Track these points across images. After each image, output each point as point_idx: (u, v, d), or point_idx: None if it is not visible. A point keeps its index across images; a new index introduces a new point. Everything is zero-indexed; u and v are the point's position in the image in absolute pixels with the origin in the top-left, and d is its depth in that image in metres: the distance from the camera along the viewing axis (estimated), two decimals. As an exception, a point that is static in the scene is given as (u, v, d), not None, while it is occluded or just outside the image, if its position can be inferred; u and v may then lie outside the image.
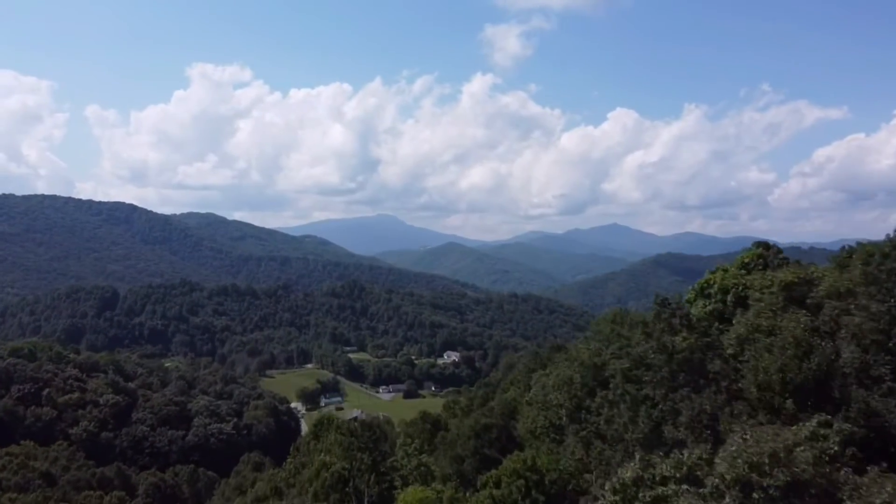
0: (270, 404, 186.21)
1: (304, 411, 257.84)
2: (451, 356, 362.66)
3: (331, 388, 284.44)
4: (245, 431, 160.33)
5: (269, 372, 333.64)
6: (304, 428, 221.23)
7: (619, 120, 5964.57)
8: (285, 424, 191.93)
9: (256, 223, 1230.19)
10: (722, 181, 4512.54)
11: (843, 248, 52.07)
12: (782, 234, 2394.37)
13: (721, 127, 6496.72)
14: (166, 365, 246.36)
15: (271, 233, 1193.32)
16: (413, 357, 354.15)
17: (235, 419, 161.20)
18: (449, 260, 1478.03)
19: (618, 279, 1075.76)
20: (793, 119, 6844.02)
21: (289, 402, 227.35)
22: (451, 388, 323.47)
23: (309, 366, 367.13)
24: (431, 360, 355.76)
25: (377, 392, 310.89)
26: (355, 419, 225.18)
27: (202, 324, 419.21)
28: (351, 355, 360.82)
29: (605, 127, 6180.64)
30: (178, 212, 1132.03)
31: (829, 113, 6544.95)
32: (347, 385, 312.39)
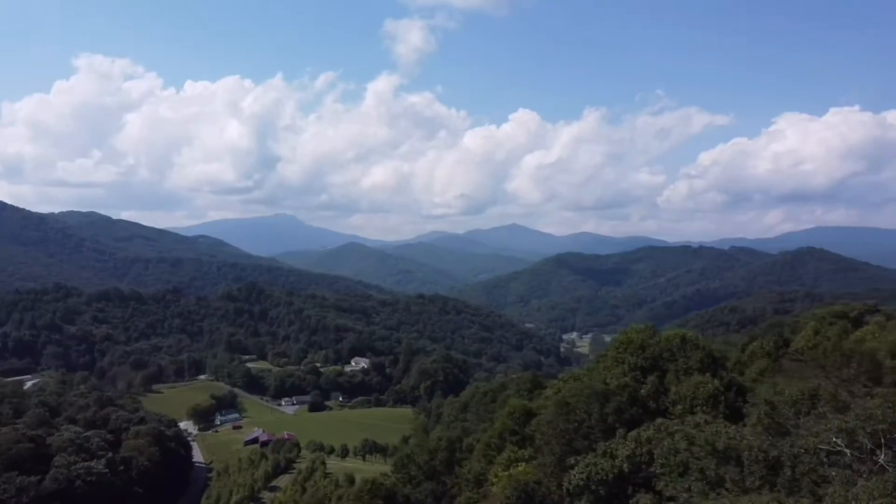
0: (155, 430, 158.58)
1: (196, 432, 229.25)
2: (360, 363, 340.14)
3: (227, 404, 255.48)
4: (122, 467, 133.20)
5: (155, 386, 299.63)
6: (198, 454, 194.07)
7: (521, 121, 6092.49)
8: (173, 453, 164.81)
9: (146, 223, 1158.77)
10: (615, 183, 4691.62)
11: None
12: (670, 233, 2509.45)
13: (617, 130, 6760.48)
14: (25, 387, 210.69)
15: (162, 233, 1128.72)
16: (318, 365, 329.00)
17: (110, 453, 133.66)
18: (350, 261, 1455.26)
19: (520, 279, 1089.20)
20: (683, 124, 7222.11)
21: (178, 424, 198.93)
22: (360, 398, 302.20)
23: (202, 377, 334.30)
24: (338, 367, 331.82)
25: (280, 405, 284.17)
26: (256, 440, 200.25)
27: (79, 333, 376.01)
28: (250, 365, 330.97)
29: (506, 128, 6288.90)
30: (57, 210, 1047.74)
31: (715, 119, 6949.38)
32: (246, 399, 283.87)
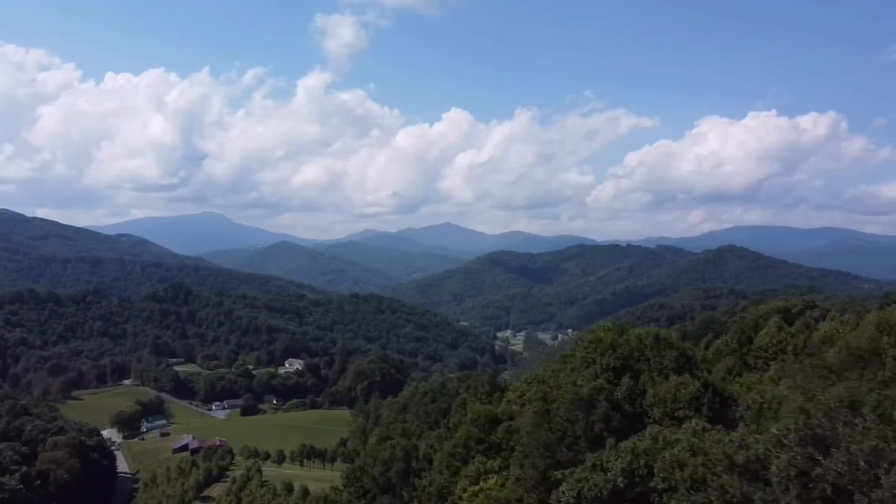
0: (74, 440, 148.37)
1: (120, 440, 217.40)
2: (294, 364, 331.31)
3: (154, 410, 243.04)
4: (38, 482, 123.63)
5: (75, 393, 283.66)
6: (123, 464, 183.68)
7: (453, 120, 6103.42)
8: (95, 464, 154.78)
9: (64, 221, 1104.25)
10: (546, 182, 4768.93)
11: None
12: (598, 232, 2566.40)
13: (547, 130, 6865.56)
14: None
15: (80, 231, 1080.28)
16: (250, 367, 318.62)
17: (25, 467, 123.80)
18: (281, 260, 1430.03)
19: (454, 277, 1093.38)
20: (611, 125, 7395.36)
21: (100, 433, 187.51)
22: (294, 400, 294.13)
23: (126, 382, 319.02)
24: (272, 369, 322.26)
25: (210, 410, 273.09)
26: (185, 447, 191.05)
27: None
28: (177, 368, 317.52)
29: (439, 127, 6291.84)
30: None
31: (642, 121, 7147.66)
32: (174, 404, 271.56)
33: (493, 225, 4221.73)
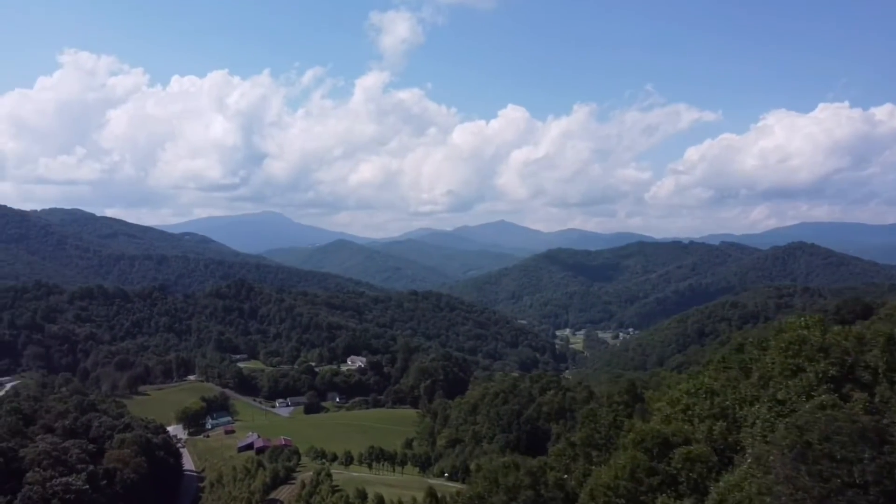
0: (141, 438, 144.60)
1: (185, 437, 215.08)
2: (356, 361, 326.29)
3: (218, 406, 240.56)
4: (105, 481, 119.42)
5: (142, 388, 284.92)
6: (188, 462, 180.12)
7: (509, 117, 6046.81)
8: (161, 462, 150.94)
9: (131, 220, 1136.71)
10: (602, 179, 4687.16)
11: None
12: (656, 230, 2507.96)
13: (604, 126, 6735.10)
14: (0, 392, 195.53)
15: (146, 230, 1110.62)
16: (313, 364, 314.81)
17: (91, 465, 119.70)
18: (338, 258, 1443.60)
19: (511, 275, 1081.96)
20: (671, 120, 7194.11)
21: (166, 430, 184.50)
22: (357, 398, 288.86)
23: (191, 378, 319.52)
24: (334, 366, 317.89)
25: (273, 407, 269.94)
26: (251, 446, 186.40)
27: (61, 332, 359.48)
28: (241, 364, 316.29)
29: (494, 124, 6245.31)
30: (40, 208, 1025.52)
31: (704, 115, 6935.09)
32: (238, 400, 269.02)
33: (548, 222, 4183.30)
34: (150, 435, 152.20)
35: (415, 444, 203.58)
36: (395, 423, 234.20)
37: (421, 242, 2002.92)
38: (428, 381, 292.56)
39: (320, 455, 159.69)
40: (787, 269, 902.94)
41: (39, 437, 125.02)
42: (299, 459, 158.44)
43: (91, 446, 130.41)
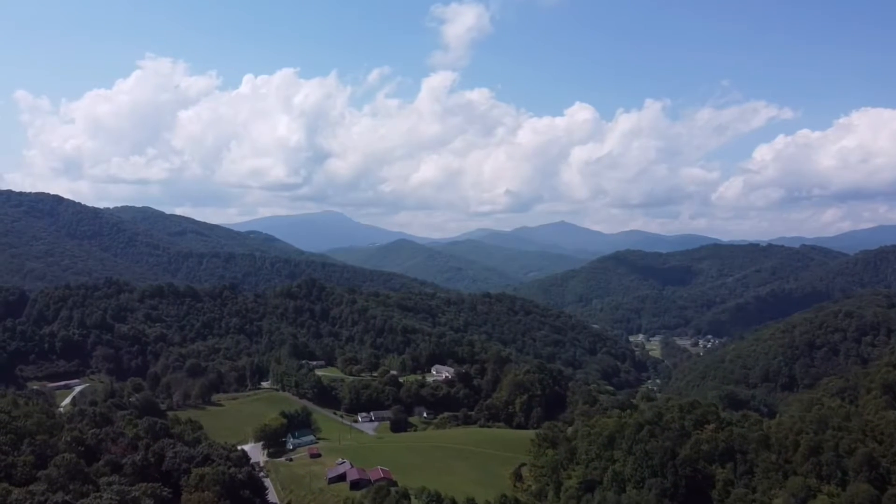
0: (223, 475, 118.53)
1: (265, 458, 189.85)
2: (442, 371, 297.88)
3: (299, 423, 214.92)
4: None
5: (215, 397, 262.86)
6: (272, 494, 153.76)
7: (574, 116, 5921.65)
8: (246, 503, 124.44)
9: (199, 219, 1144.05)
10: (667, 179, 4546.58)
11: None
12: (722, 231, 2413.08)
13: (673, 125, 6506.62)
14: (62, 405, 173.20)
15: (214, 228, 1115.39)
16: (395, 373, 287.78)
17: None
18: (399, 257, 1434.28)
19: (578, 277, 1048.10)
20: (744, 118, 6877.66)
21: (248, 459, 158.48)
22: (446, 414, 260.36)
23: (265, 385, 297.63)
24: (418, 376, 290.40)
25: (356, 422, 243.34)
26: (343, 477, 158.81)
27: (130, 332, 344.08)
28: (319, 372, 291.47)
29: (558, 123, 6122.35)
30: (112, 206, 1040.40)
31: (778, 112, 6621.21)
32: (317, 413, 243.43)
33: (609, 224, 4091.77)
34: (233, 469, 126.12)
35: (527, 476, 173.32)
36: (496, 447, 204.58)
37: (480, 243, 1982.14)
38: (524, 397, 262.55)
39: (435, 500, 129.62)
40: (879, 274, 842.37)
41: (103, 479, 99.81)
42: (409, 502, 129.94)
43: (166, 491, 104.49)
